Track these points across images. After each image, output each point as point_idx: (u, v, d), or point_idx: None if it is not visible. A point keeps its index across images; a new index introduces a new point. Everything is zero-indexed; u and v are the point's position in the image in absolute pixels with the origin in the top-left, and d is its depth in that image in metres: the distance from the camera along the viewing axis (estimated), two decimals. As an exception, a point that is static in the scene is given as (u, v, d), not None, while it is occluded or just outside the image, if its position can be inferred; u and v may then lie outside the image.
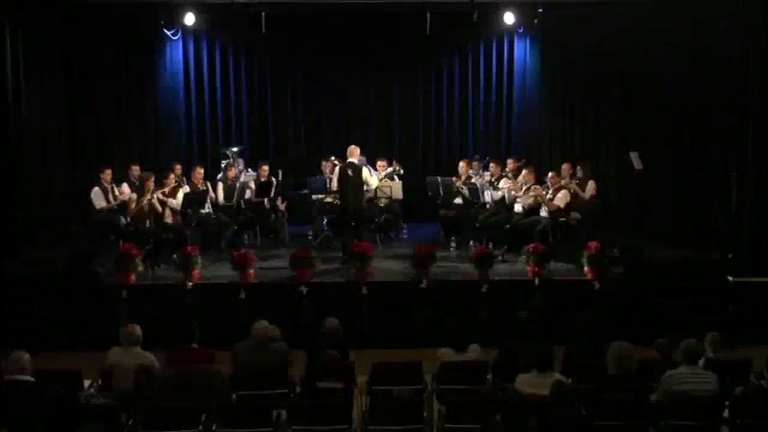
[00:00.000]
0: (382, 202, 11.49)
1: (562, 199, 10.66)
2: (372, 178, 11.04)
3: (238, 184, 11.38)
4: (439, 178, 11.81)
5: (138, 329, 6.74)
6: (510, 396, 5.46)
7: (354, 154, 10.61)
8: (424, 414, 6.24)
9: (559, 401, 5.42)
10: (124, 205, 10.67)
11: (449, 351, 6.82)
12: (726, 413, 6.05)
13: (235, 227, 11.42)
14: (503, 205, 11.11)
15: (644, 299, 9.61)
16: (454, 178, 11.74)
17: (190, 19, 11.96)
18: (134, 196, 10.48)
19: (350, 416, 6.14)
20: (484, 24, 12.37)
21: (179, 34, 12.77)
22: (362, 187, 10.63)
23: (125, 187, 11.03)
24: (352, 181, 10.44)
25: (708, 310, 9.78)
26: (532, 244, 9.77)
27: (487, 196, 11.13)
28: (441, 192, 11.68)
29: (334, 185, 11.11)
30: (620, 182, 12.77)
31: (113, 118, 12.96)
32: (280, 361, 6.79)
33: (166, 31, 12.39)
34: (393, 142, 13.51)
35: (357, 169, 10.55)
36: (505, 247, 10.80)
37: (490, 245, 10.71)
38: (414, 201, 12.89)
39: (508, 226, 10.82)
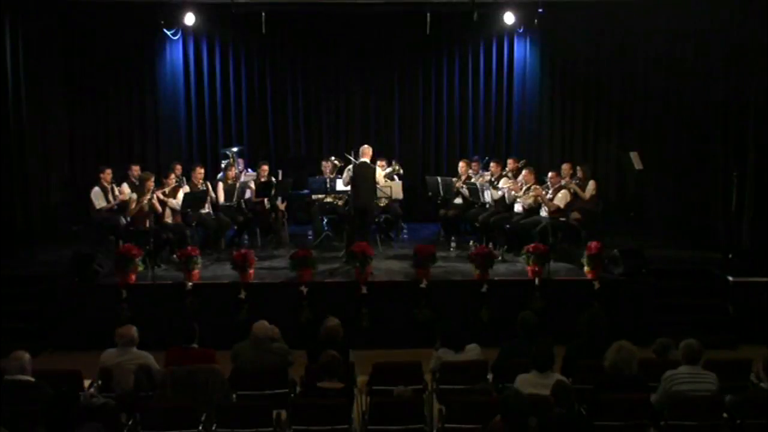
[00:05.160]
0: (382, 202, 11.49)
1: (562, 199, 10.66)
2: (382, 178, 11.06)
3: (238, 184, 11.37)
4: (439, 178, 11.81)
5: (134, 330, 6.72)
6: (510, 396, 5.45)
7: (366, 154, 10.59)
8: (424, 414, 6.24)
9: (560, 401, 5.41)
10: (124, 205, 10.66)
11: (447, 351, 6.82)
12: (726, 413, 6.06)
13: (235, 227, 11.42)
14: (503, 205, 11.11)
15: (644, 299, 9.61)
16: (454, 179, 11.74)
17: (190, 19, 11.95)
18: (134, 196, 10.47)
19: (350, 416, 6.15)
20: (484, 24, 12.37)
21: (179, 34, 12.76)
22: (374, 187, 10.61)
23: (125, 187, 11.02)
24: (360, 181, 10.43)
25: (708, 310, 9.80)
26: (532, 244, 9.76)
27: (487, 196, 11.12)
28: (441, 192, 11.68)
29: (340, 184, 11.09)
30: (620, 182, 12.78)
31: (113, 118, 12.98)
32: (280, 361, 6.79)
33: (166, 31, 12.38)
34: (393, 142, 13.52)
35: (369, 169, 10.53)
36: (505, 247, 10.80)
37: (490, 245, 10.71)
38: (414, 201, 12.90)
39: (508, 226, 10.82)
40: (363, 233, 10.40)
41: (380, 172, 10.89)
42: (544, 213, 10.71)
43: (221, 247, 11.19)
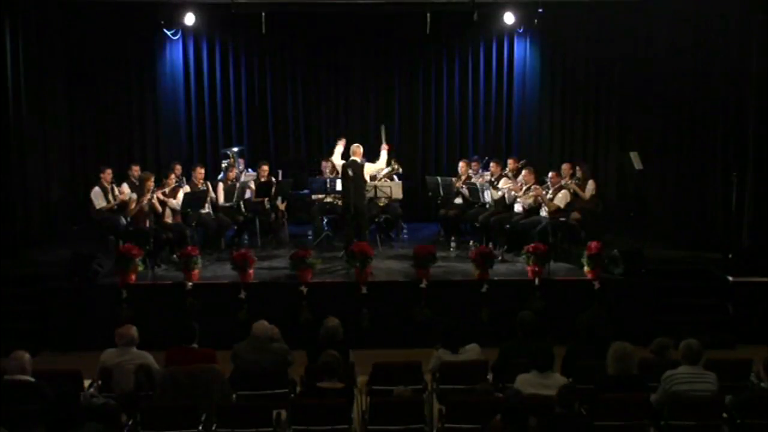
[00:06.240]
0: (382, 202, 11.49)
1: (562, 199, 10.65)
2: (376, 164, 10.98)
3: (238, 184, 11.37)
4: (439, 178, 11.81)
5: (133, 330, 6.72)
6: (510, 396, 5.45)
7: (356, 153, 10.61)
8: (424, 414, 6.24)
9: (563, 402, 5.40)
10: (124, 205, 10.67)
11: (447, 351, 6.82)
12: (726, 413, 6.06)
13: (235, 227, 11.42)
14: (503, 205, 11.11)
15: (644, 299, 9.61)
16: (454, 179, 11.74)
17: (190, 19, 11.95)
18: (134, 196, 10.47)
19: (350, 416, 6.14)
20: (484, 24, 12.37)
21: (179, 34, 12.77)
22: (364, 186, 10.61)
23: (125, 187, 11.02)
24: (352, 179, 10.45)
25: (708, 310, 9.81)
26: (532, 244, 9.76)
27: (487, 196, 11.12)
28: (441, 192, 11.68)
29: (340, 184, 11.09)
30: (620, 182, 12.78)
31: (113, 118, 12.97)
32: (280, 361, 6.79)
33: (166, 31, 12.39)
34: (393, 142, 13.46)
35: (358, 168, 10.54)
36: (505, 247, 10.80)
37: (490, 245, 10.71)
38: (414, 201, 12.90)
39: (508, 226, 10.82)
40: (359, 232, 10.41)
41: (369, 166, 10.82)
42: (544, 213, 10.70)
43: (221, 247, 11.19)
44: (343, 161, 10.90)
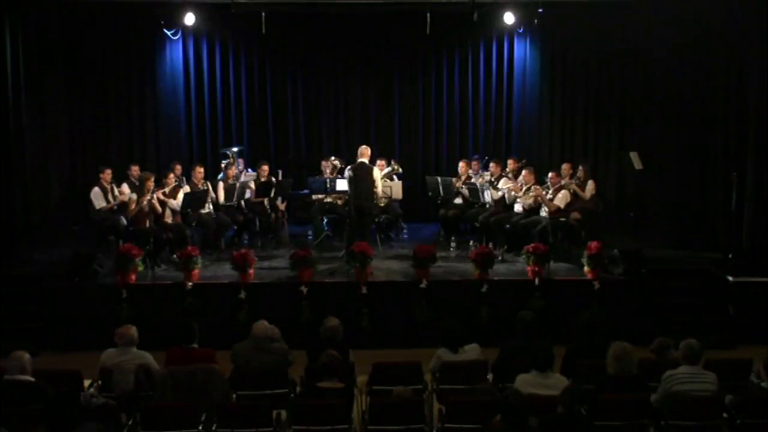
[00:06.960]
0: (382, 202, 11.49)
1: (562, 199, 10.66)
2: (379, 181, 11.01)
3: (238, 184, 11.37)
4: (439, 178, 11.81)
5: (133, 330, 6.72)
6: (510, 396, 5.45)
7: (364, 154, 10.57)
8: (424, 414, 6.23)
9: (565, 404, 5.39)
10: (124, 205, 10.67)
11: (447, 350, 6.82)
12: (726, 413, 6.06)
13: (235, 227, 11.42)
14: (503, 205, 11.11)
15: (644, 299, 9.61)
16: (454, 179, 11.74)
17: (190, 19, 11.94)
18: (134, 196, 10.47)
19: (350, 416, 6.15)
20: (484, 24, 12.36)
21: (179, 34, 12.76)
22: (370, 187, 10.57)
23: (125, 187, 11.02)
24: (355, 181, 10.43)
25: (708, 310, 9.81)
26: (532, 244, 9.76)
27: (487, 196, 11.13)
28: (441, 192, 11.68)
29: (340, 184, 11.07)
30: (620, 182, 12.78)
31: (113, 118, 12.97)
32: (280, 361, 6.79)
33: (166, 31, 12.39)
34: (393, 142, 13.51)
35: (366, 169, 10.53)
36: (505, 247, 10.80)
37: (490, 245, 10.71)
38: (414, 201, 12.90)
39: (508, 226, 10.82)
40: (362, 233, 10.40)
41: (377, 172, 10.83)
42: (544, 213, 10.71)
43: (221, 247, 11.19)
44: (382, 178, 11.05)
